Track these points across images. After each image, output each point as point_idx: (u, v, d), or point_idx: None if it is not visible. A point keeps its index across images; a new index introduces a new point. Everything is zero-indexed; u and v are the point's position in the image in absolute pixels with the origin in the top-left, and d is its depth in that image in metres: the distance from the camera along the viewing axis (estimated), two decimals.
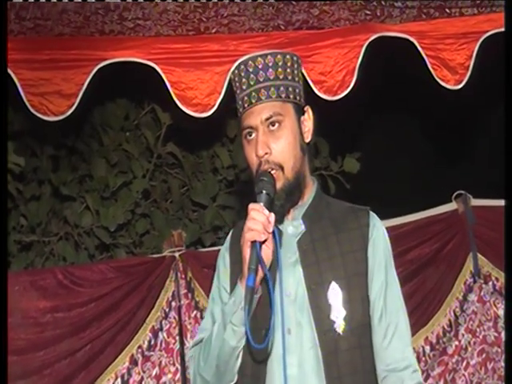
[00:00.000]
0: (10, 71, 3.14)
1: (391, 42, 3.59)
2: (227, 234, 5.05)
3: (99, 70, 3.35)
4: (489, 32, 3.59)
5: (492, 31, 3.58)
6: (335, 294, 2.37)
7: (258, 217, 2.26)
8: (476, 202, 4.52)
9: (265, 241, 2.27)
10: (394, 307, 2.43)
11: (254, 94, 2.41)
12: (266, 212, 2.27)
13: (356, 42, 3.55)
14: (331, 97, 3.50)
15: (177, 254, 4.30)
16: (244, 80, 2.44)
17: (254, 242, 2.25)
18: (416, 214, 4.50)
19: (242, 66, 2.44)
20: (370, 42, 3.54)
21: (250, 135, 2.42)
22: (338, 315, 2.35)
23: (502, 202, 4.56)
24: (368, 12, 3.58)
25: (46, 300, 4.04)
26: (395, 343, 2.40)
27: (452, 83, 3.57)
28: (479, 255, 4.48)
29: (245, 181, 5.30)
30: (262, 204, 2.29)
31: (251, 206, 2.29)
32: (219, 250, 4.42)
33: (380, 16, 3.62)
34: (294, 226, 2.47)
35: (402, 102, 6.48)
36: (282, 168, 2.38)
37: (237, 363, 2.38)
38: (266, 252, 2.28)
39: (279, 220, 2.42)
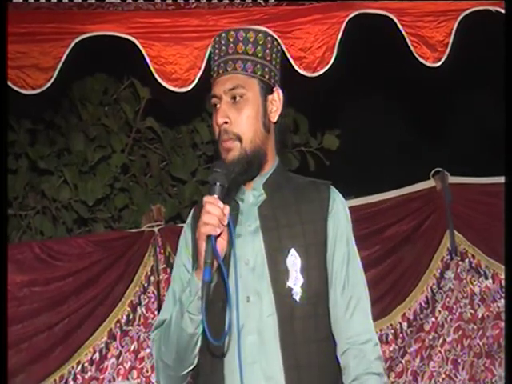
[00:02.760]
0: None
1: (371, 19, 3.59)
2: None
3: (78, 43, 3.33)
4: (468, 10, 3.59)
5: (471, 9, 3.59)
6: (294, 261, 2.38)
7: (213, 210, 2.25)
8: (453, 180, 4.54)
9: (220, 233, 2.27)
10: (356, 280, 2.45)
11: (222, 64, 2.45)
12: (221, 204, 2.27)
13: (336, 19, 3.54)
14: (311, 73, 3.50)
15: (156, 229, 4.30)
16: (217, 51, 2.48)
17: (209, 236, 2.24)
18: (394, 191, 4.52)
19: (217, 39, 2.49)
20: (350, 19, 3.54)
21: (215, 105, 2.46)
22: (296, 282, 2.36)
23: (478, 180, 4.61)
24: None
25: (23, 274, 4.03)
26: (357, 316, 2.41)
27: (431, 60, 3.58)
28: (456, 232, 4.51)
29: None
30: (216, 196, 2.29)
31: (206, 198, 2.29)
32: None
33: None
34: (254, 196, 2.48)
35: (382, 79, 6.48)
36: (240, 139, 2.40)
37: (196, 348, 2.38)
38: (221, 243, 2.28)
39: (235, 190, 2.45)
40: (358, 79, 6.24)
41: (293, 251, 2.39)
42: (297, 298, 2.36)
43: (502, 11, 3.47)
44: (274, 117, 2.49)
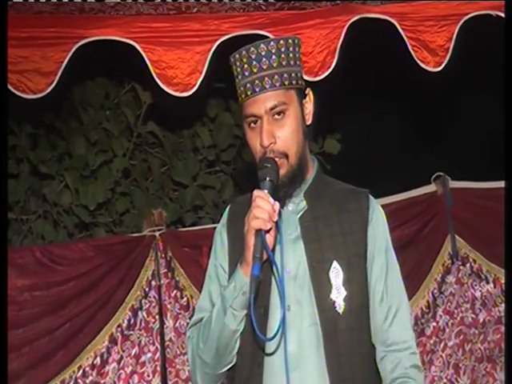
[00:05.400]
0: None
1: (372, 23, 3.59)
2: (208, 213, 5.13)
3: (79, 48, 3.33)
4: (469, 14, 3.60)
5: (472, 13, 3.59)
6: (336, 274, 2.38)
7: (264, 205, 2.23)
8: (454, 184, 4.54)
9: (269, 229, 2.25)
10: (394, 290, 2.46)
11: (257, 82, 2.36)
12: (271, 200, 2.25)
13: (337, 23, 3.55)
14: (312, 77, 3.50)
15: (157, 234, 4.30)
16: (246, 66, 2.38)
17: (258, 231, 2.22)
18: (396, 195, 4.52)
19: (244, 52, 2.39)
20: (351, 23, 3.54)
21: (255, 123, 2.39)
22: (339, 295, 2.36)
23: (479, 185, 4.61)
24: None
25: (24, 278, 4.03)
26: (395, 326, 2.41)
27: (432, 65, 3.58)
28: (457, 237, 4.51)
29: (225, 161, 5.30)
30: (266, 191, 2.27)
31: (256, 192, 2.27)
32: (199, 230, 4.49)
33: None
34: (294, 203, 2.45)
35: (383, 83, 6.48)
36: (286, 156, 2.37)
37: (236, 346, 2.38)
38: (270, 240, 2.26)
39: (282, 204, 2.41)
40: (359, 83, 6.24)
41: (335, 264, 2.38)
42: (340, 310, 2.36)
43: (502, 15, 3.48)
44: (309, 119, 2.47)
